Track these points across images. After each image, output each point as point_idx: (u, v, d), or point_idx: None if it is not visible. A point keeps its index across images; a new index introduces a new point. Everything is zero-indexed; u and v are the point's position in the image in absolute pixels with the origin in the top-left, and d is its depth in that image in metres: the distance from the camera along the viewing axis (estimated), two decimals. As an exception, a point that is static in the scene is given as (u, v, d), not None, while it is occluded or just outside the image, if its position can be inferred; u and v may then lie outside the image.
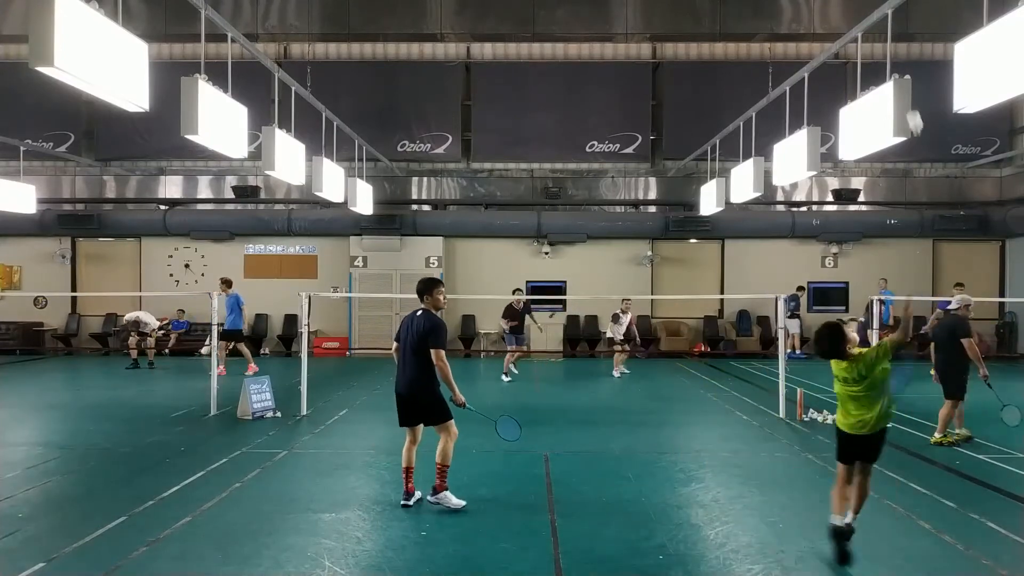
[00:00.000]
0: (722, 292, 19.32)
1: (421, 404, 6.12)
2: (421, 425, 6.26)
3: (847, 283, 19.49)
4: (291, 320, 19.13)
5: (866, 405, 5.13)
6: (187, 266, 19.69)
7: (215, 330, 10.96)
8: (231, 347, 15.05)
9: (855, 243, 19.33)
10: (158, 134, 18.50)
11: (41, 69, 5.33)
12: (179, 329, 18.36)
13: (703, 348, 19.13)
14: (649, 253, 19.51)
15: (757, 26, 19.63)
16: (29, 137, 18.53)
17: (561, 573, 4.75)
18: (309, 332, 11.13)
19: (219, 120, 8.08)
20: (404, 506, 6.10)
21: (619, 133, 19.41)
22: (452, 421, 6.18)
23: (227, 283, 14.88)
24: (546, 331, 19.21)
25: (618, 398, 12.41)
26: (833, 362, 5.19)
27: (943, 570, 4.90)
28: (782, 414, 10.19)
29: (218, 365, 13.97)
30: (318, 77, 18.53)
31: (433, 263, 19.02)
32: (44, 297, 19.71)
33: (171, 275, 19.74)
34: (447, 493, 6.10)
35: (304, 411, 10.26)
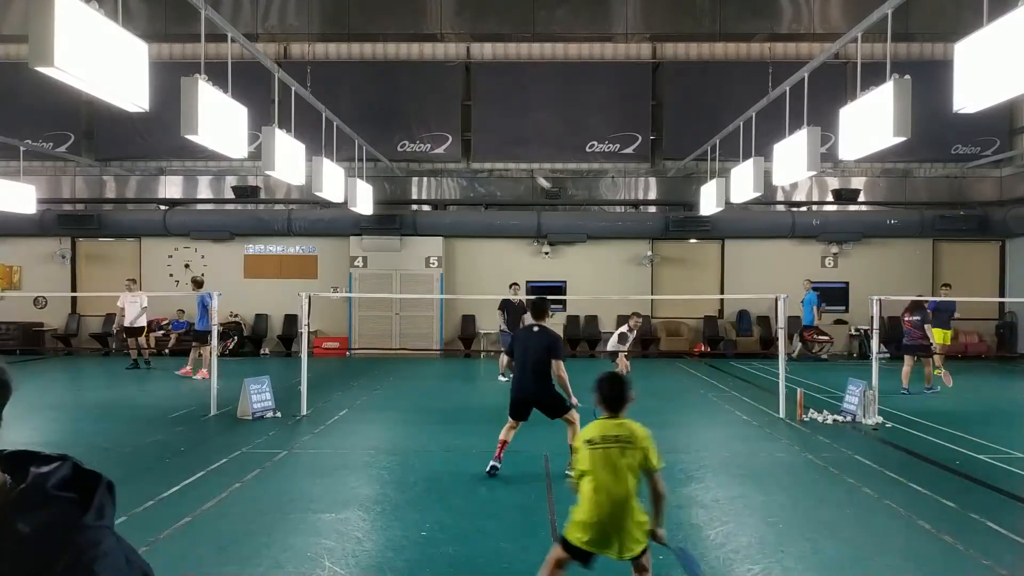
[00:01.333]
0: (722, 292, 19.32)
1: (546, 404, 7.02)
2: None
3: (847, 283, 19.49)
4: (291, 320, 19.12)
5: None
6: (187, 266, 19.68)
7: (215, 331, 10.95)
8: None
9: (855, 243, 19.33)
10: (158, 134, 18.49)
11: (41, 69, 5.32)
12: (179, 329, 18.36)
13: (703, 348, 19.13)
14: (649, 253, 19.51)
15: (757, 26, 19.64)
16: (29, 137, 18.52)
17: (561, 573, 4.75)
18: (309, 332, 11.14)
19: (219, 120, 8.07)
20: (489, 474, 6.97)
21: (619, 133, 19.41)
22: (573, 409, 6.97)
23: (198, 283, 14.49)
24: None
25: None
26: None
27: (943, 570, 4.90)
28: (782, 414, 10.19)
29: (201, 368, 13.88)
30: (318, 77, 18.52)
31: (433, 263, 19.02)
32: (44, 297, 19.71)
33: (171, 275, 19.74)
34: None
35: (304, 411, 10.26)
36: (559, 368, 6.85)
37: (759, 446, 8.60)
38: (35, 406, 11.36)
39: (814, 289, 17.98)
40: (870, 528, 5.61)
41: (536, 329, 7.11)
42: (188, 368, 14.43)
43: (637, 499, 3.73)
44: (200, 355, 14.23)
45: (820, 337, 18.08)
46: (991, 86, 5.95)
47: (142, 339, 15.63)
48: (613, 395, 4.11)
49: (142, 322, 15.43)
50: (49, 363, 17.74)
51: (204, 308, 13.73)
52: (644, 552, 3.73)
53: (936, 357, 15.28)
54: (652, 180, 19.96)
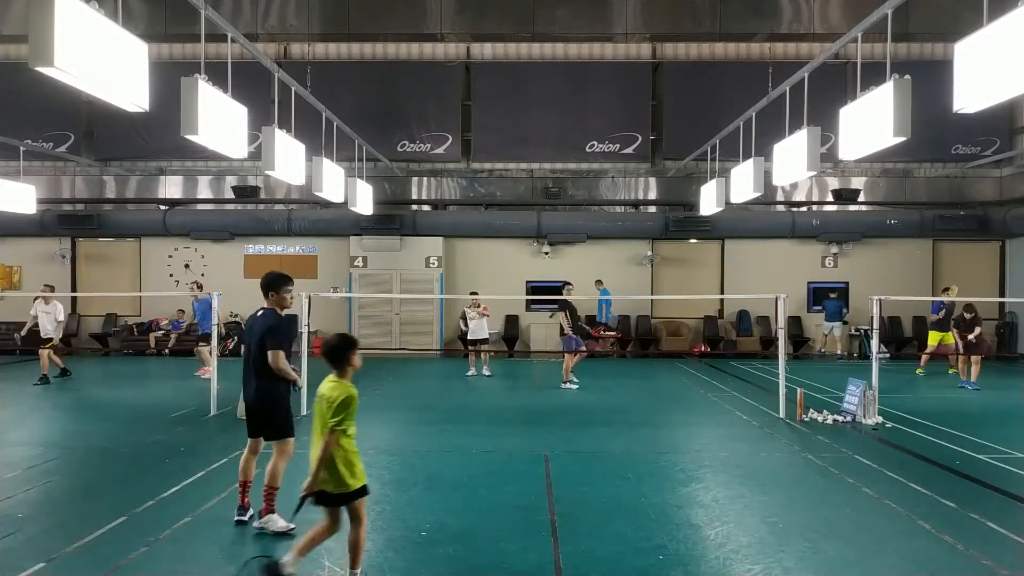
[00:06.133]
0: (722, 292, 19.33)
1: (264, 413, 5.61)
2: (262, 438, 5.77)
3: (847, 283, 19.49)
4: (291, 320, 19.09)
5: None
6: (187, 266, 19.70)
7: (215, 331, 10.94)
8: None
9: (855, 243, 19.34)
10: (158, 134, 18.51)
11: (41, 69, 5.32)
12: (178, 329, 18.38)
13: (703, 348, 19.13)
14: (649, 253, 19.51)
15: (757, 26, 19.64)
16: (29, 137, 18.53)
17: (561, 573, 4.75)
18: (309, 332, 11.13)
19: (219, 120, 8.07)
20: (239, 522, 5.68)
21: (619, 133, 19.42)
22: (292, 439, 5.67)
23: (199, 285, 14.33)
24: (546, 331, 19.25)
25: (618, 398, 12.41)
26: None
27: (943, 570, 4.90)
28: (782, 414, 10.19)
29: (203, 366, 13.92)
30: (318, 77, 18.54)
31: (433, 263, 19.03)
32: (44, 297, 19.68)
33: (171, 275, 19.75)
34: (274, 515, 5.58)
35: (304, 411, 10.25)
36: (275, 359, 5.44)
37: (759, 446, 8.60)
38: (35, 406, 11.37)
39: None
40: (870, 528, 5.61)
41: (259, 313, 5.70)
42: (206, 367, 14.23)
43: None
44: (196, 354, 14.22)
45: (606, 333, 18.25)
46: (991, 86, 5.95)
47: (45, 352, 13.72)
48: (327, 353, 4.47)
49: (54, 334, 13.81)
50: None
51: (209, 310, 13.64)
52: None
53: (950, 357, 15.41)
54: (652, 180, 19.96)
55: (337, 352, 4.42)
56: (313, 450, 4.31)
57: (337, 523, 4.44)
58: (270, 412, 5.60)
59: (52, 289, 14.47)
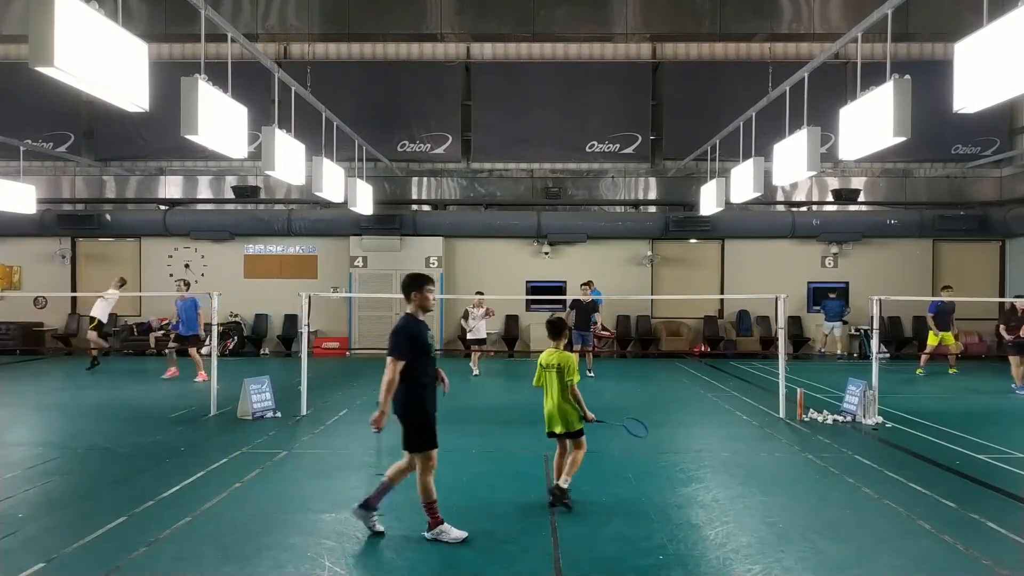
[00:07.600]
0: (722, 292, 19.32)
1: (400, 421, 5.34)
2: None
3: (847, 283, 19.49)
4: (291, 320, 19.12)
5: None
6: (187, 266, 19.69)
7: (215, 330, 10.93)
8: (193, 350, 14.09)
9: (855, 243, 19.33)
10: (158, 134, 18.51)
11: (41, 69, 5.32)
12: (177, 329, 18.33)
13: (703, 348, 19.13)
14: (649, 253, 19.51)
15: (757, 26, 19.64)
16: (29, 137, 18.52)
17: (561, 573, 4.75)
18: (309, 332, 11.13)
19: (219, 120, 8.08)
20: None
21: (619, 133, 19.41)
22: (430, 451, 5.29)
23: (187, 284, 14.41)
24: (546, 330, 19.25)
25: (618, 398, 12.41)
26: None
27: (943, 570, 4.90)
28: (782, 414, 10.19)
29: (170, 367, 14.15)
30: (318, 77, 18.53)
31: (433, 263, 19.02)
32: (44, 297, 19.71)
33: (171, 275, 19.72)
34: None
35: (304, 411, 10.26)
36: (387, 366, 5.22)
37: (759, 446, 8.60)
38: (35, 406, 11.37)
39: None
40: (870, 528, 5.61)
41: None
42: (174, 369, 14.42)
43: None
44: (189, 356, 14.25)
45: (603, 332, 18.31)
46: (991, 86, 5.95)
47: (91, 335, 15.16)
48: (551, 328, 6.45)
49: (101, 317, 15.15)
50: (49, 363, 17.73)
51: (194, 311, 14.02)
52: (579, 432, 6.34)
53: (951, 357, 15.42)
54: (652, 180, 19.96)
55: (560, 328, 6.42)
56: (550, 401, 6.41)
57: (568, 449, 6.29)
58: (401, 421, 5.32)
59: (122, 282, 15.46)
